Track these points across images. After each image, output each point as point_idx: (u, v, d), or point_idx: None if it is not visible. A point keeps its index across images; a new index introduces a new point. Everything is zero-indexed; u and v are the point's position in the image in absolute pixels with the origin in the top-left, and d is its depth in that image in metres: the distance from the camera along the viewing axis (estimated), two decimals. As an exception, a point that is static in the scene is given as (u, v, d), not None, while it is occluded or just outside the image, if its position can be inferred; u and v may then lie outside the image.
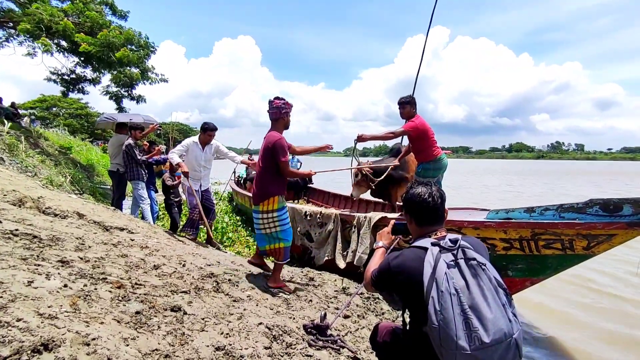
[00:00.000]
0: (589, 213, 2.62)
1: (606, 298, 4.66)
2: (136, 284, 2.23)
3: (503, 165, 78.20)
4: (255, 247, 5.72)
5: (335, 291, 3.48)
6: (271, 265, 3.42)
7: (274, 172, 3.07)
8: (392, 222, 1.95)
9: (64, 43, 9.56)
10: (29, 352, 1.21)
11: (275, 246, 3.12)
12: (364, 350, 2.41)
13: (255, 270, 3.54)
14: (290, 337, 2.22)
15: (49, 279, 1.82)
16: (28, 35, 8.77)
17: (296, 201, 10.25)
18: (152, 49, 10.40)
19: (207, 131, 4.56)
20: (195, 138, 4.62)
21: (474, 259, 1.38)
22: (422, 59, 5.15)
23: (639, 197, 2.41)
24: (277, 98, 3.16)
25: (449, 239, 1.46)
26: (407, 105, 4.18)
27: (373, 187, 5.25)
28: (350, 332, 2.67)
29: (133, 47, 9.97)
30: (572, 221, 2.66)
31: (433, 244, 1.43)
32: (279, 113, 3.14)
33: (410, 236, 1.76)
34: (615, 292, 4.85)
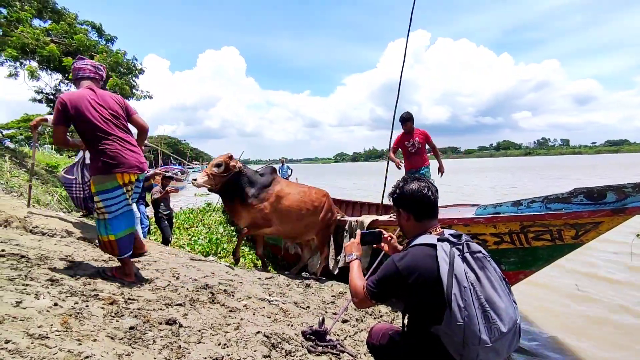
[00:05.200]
0: (574, 202, 2.66)
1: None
2: (129, 299, 2.18)
3: (494, 164, 79.13)
4: (251, 256, 5.68)
5: (332, 296, 3.46)
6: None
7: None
8: (359, 232, 1.93)
9: (45, 63, 9.47)
10: (19, 373, 1.17)
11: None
12: (364, 354, 2.39)
13: (250, 279, 3.51)
14: (289, 344, 2.19)
15: (39, 299, 1.78)
16: (14, 60, 8.70)
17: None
18: (139, 71, 10.44)
19: None
20: None
21: (480, 252, 1.40)
22: (404, 62, 5.20)
23: (620, 184, 2.45)
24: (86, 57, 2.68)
25: (450, 234, 1.46)
26: (409, 122, 5.11)
27: (215, 189, 4.04)
28: (350, 336, 2.65)
29: (121, 69, 9.97)
30: (558, 212, 2.69)
31: (439, 240, 1.41)
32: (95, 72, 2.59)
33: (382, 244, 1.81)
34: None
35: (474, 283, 1.30)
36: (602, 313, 3.97)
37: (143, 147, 2.74)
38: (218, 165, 3.88)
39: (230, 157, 3.97)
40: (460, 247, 1.39)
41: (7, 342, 1.30)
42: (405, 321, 1.59)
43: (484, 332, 1.25)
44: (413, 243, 1.50)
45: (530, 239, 2.84)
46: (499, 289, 1.33)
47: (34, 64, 9.17)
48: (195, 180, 3.88)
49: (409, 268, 1.40)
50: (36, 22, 9.88)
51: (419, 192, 1.54)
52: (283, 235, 4.33)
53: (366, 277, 1.65)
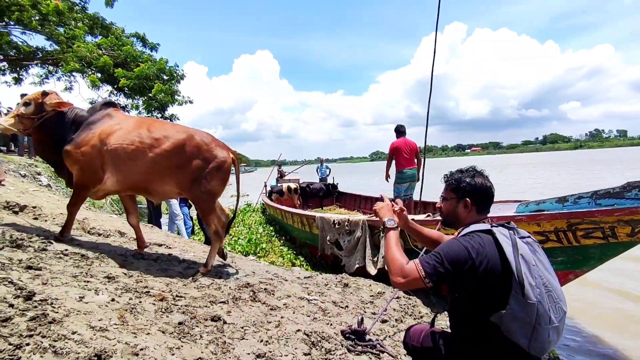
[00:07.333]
0: (628, 197, 2.47)
1: None
2: (177, 296, 2.31)
3: (540, 158, 74.86)
4: (289, 256, 5.80)
5: (370, 296, 3.45)
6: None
7: None
8: (385, 195, 1.91)
9: (98, 74, 10.25)
10: (85, 362, 1.28)
11: None
12: (405, 355, 2.37)
13: (290, 278, 3.58)
14: (328, 343, 2.22)
15: (98, 294, 1.93)
16: (71, 73, 9.59)
17: (324, 208, 10.29)
18: (180, 77, 11.08)
19: None
20: None
21: (529, 237, 1.44)
22: (434, 55, 5.06)
23: None
24: None
25: (497, 223, 1.50)
26: (395, 132, 6.38)
27: (24, 133, 3.09)
28: (389, 337, 2.63)
29: (164, 75, 10.64)
30: (610, 208, 2.51)
31: (494, 226, 1.45)
32: None
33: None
34: None
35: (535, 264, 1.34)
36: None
37: None
38: (26, 104, 2.97)
39: (44, 94, 3.03)
40: (513, 232, 1.42)
41: (73, 333, 1.43)
42: (448, 316, 1.58)
43: (552, 311, 1.26)
44: (468, 231, 1.50)
45: (579, 237, 2.68)
46: (551, 271, 1.36)
47: (98, 75, 10.05)
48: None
49: (479, 253, 1.35)
50: (88, 38, 10.72)
51: (490, 188, 1.60)
52: (124, 188, 3.11)
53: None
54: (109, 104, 3.23)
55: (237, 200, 3.75)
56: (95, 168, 2.91)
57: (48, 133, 3.00)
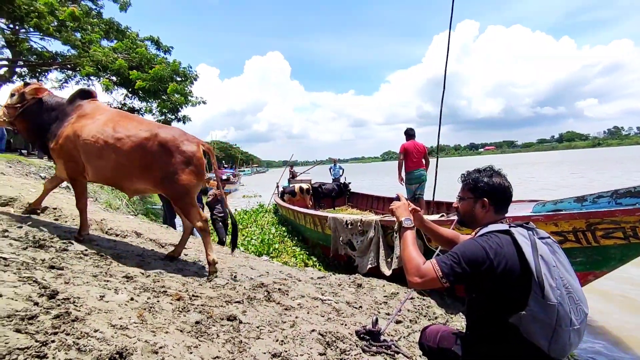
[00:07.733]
0: None
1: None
2: (193, 295, 2.35)
3: (556, 157, 73.30)
4: (302, 256, 5.81)
5: (384, 296, 3.43)
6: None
7: None
8: (401, 195, 1.89)
9: (114, 78, 10.48)
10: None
11: None
12: (420, 356, 2.36)
13: (303, 278, 3.59)
14: (343, 343, 2.22)
15: (118, 293, 1.98)
16: (87, 77, 9.85)
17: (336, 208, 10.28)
18: (194, 78, 11.27)
19: None
20: None
21: (548, 237, 1.42)
22: (447, 54, 5.01)
23: None
24: None
25: (516, 223, 1.47)
26: (405, 135, 6.62)
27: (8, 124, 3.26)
28: (404, 337, 2.62)
29: (178, 77, 10.85)
30: (631, 207, 2.45)
31: (512, 226, 1.42)
32: None
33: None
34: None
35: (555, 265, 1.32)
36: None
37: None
38: (12, 95, 3.18)
39: (26, 84, 3.22)
40: (532, 232, 1.40)
41: (95, 331, 1.47)
42: (465, 316, 1.56)
43: (573, 313, 1.25)
44: (485, 231, 1.47)
45: (598, 237, 2.62)
46: (571, 271, 1.34)
47: (113, 78, 10.30)
48: None
49: (497, 253, 1.33)
50: (104, 43, 10.97)
51: (508, 188, 1.58)
52: (98, 180, 3.18)
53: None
54: (84, 94, 3.26)
55: (224, 198, 3.83)
56: (76, 159, 2.99)
57: (30, 119, 3.16)
